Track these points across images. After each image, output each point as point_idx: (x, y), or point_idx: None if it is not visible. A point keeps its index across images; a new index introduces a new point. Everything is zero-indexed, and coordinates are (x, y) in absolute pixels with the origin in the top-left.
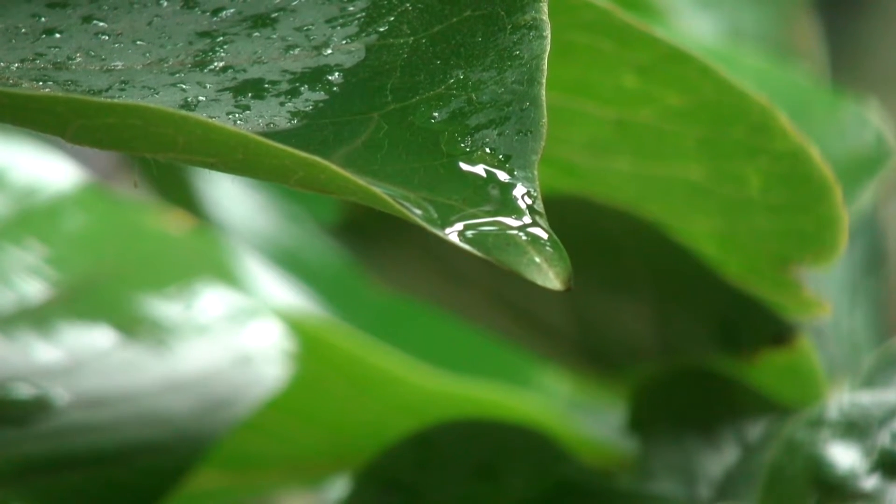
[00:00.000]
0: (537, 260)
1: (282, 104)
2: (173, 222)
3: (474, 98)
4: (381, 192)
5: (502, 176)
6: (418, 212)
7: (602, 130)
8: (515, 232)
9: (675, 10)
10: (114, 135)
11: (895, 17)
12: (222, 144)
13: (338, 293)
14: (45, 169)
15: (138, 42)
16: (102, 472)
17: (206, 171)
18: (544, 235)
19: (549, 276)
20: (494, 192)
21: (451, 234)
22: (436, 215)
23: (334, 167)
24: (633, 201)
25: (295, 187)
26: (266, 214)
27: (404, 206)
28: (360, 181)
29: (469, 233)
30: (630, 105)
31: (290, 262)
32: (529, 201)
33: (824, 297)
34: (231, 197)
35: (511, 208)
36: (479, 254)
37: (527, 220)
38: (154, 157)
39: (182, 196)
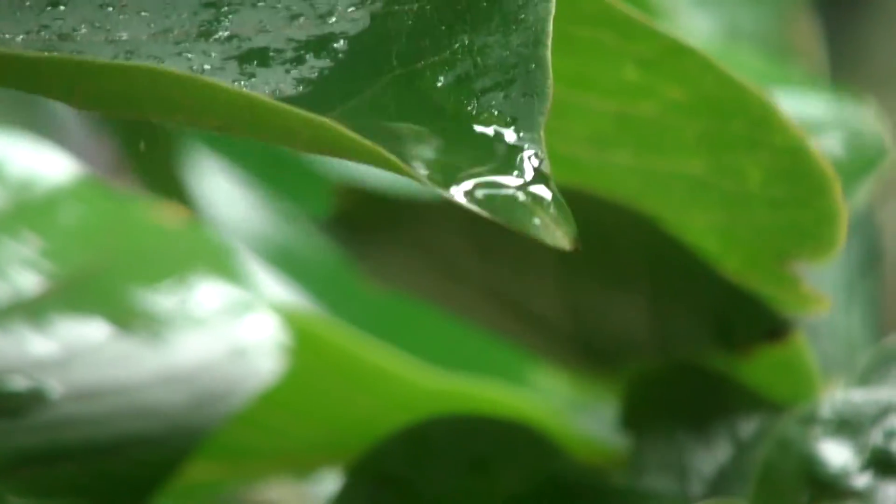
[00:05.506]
0: (544, 221)
1: (287, 71)
2: (170, 215)
3: (480, 62)
4: (387, 153)
5: (509, 137)
6: (424, 171)
7: (603, 123)
8: (522, 193)
9: (672, 10)
10: (121, 97)
11: (895, 18)
12: (229, 105)
13: (331, 291)
14: (41, 162)
15: (143, 13)
16: (96, 464)
17: (198, 167)
18: (549, 196)
19: (557, 236)
20: (501, 154)
21: (458, 194)
22: (441, 176)
23: (341, 128)
24: (633, 195)
25: (301, 150)
26: (258, 211)
27: (410, 166)
28: (367, 142)
29: (478, 192)
30: (631, 98)
31: (282, 260)
32: (536, 162)
33: (823, 292)
34: (222, 194)
35: (517, 169)
36: (486, 214)
37: (533, 180)
38: (162, 120)
39: (173, 193)
